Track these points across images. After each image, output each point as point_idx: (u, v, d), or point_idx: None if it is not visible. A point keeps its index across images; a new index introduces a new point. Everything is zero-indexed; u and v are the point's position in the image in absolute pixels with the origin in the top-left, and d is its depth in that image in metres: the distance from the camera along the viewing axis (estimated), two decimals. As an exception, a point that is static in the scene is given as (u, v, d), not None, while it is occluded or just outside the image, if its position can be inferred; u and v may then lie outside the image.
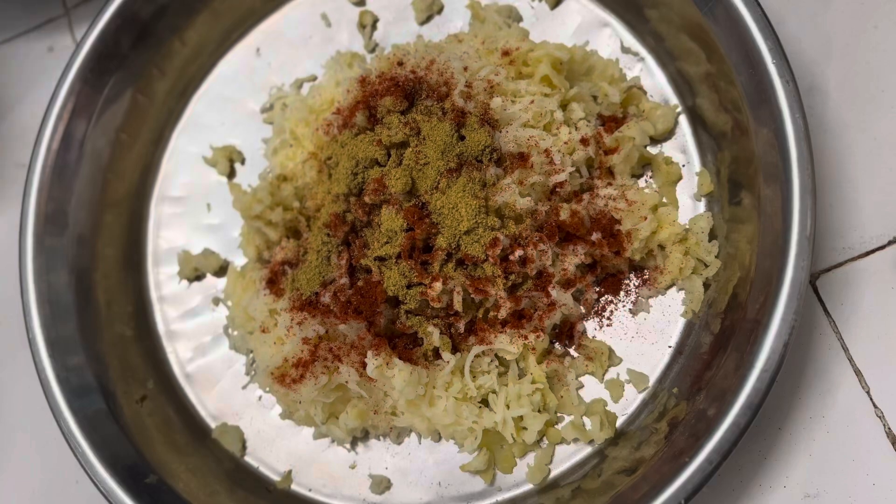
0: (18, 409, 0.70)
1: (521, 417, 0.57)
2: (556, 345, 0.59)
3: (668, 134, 0.61)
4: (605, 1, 0.65)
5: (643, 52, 0.63)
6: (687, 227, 0.58)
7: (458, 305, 0.55)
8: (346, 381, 0.57)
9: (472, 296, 0.55)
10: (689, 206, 0.60)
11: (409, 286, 0.55)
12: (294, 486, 0.62)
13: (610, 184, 0.59)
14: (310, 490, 0.62)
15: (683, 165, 0.61)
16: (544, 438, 0.58)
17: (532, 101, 0.58)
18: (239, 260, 0.68)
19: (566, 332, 0.59)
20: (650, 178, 0.61)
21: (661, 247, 0.58)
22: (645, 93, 0.63)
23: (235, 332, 0.66)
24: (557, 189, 0.57)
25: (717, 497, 0.55)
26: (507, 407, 0.57)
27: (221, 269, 0.68)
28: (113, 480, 0.58)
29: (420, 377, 0.56)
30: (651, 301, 0.59)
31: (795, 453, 0.55)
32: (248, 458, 0.64)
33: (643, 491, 0.51)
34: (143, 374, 0.66)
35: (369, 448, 0.61)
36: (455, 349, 0.58)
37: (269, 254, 0.65)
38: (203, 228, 0.70)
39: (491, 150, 0.56)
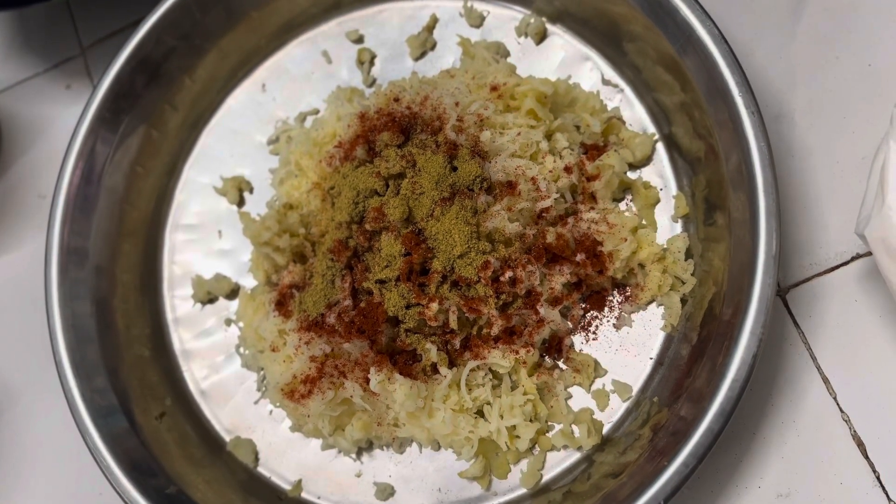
0: (44, 427, 0.73)
1: (514, 427, 0.59)
2: (546, 358, 0.62)
3: (647, 160, 0.64)
4: (586, 36, 0.68)
5: (622, 84, 0.66)
6: (665, 247, 0.61)
7: (453, 324, 0.58)
8: (351, 396, 0.59)
9: (467, 314, 0.58)
10: (666, 227, 0.63)
11: (407, 307, 0.58)
12: (304, 495, 0.64)
13: (592, 208, 0.62)
14: (319, 498, 0.64)
15: (661, 189, 0.64)
16: (536, 446, 0.60)
17: (519, 133, 0.61)
18: (249, 283, 0.70)
19: (555, 347, 0.62)
20: (630, 201, 0.64)
21: (641, 266, 0.61)
22: (624, 122, 0.65)
23: (247, 351, 0.68)
24: (544, 214, 0.60)
25: (696, 497, 0.58)
26: (501, 417, 0.59)
27: (233, 292, 0.71)
28: (136, 492, 0.60)
29: (419, 391, 0.59)
30: (633, 316, 0.62)
31: (768, 456, 0.57)
32: (260, 469, 0.66)
33: (627, 492, 0.53)
34: (162, 392, 0.69)
35: (374, 457, 0.64)
36: (451, 364, 0.60)
37: (277, 277, 0.67)
38: (215, 254, 0.73)
39: (481, 180, 0.59)
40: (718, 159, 0.58)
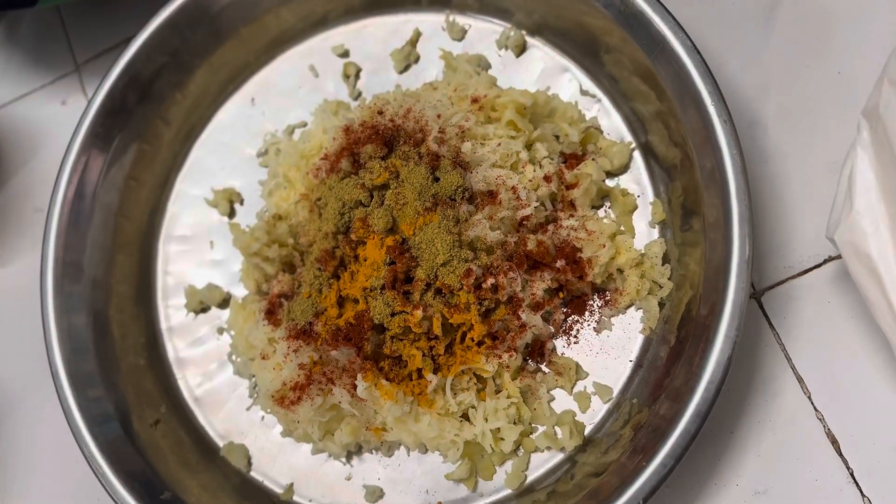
0: (42, 435, 0.74)
1: (498, 429, 0.61)
2: (529, 362, 0.63)
3: (624, 168, 0.66)
4: (564, 48, 0.69)
5: (600, 94, 0.68)
6: (643, 252, 0.63)
7: (437, 330, 0.59)
8: (339, 402, 0.61)
9: (450, 321, 0.59)
10: (644, 233, 0.64)
11: (393, 314, 0.59)
12: (296, 498, 0.66)
13: (572, 215, 0.64)
14: (310, 501, 0.65)
15: (638, 196, 0.65)
16: (520, 447, 0.62)
17: (499, 144, 0.63)
18: (240, 293, 0.71)
19: (537, 350, 0.63)
20: (608, 208, 0.66)
21: (620, 271, 0.63)
22: (602, 131, 0.67)
23: (238, 359, 0.69)
24: (524, 222, 0.62)
25: (676, 495, 0.59)
26: (486, 420, 0.60)
27: (224, 302, 0.72)
28: (132, 498, 0.62)
29: (405, 396, 0.60)
30: (613, 320, 0.63)
31: (746, 454, 0.59)
32: (253, 474, 0.67)
33: (609, 492, 0.55)
34: (157, 400, 0.70)
35: (363, 461, 0.65)
36: (437, 369, 0.61)
37: (267, 287, 0.69)
38: (207, 264, 0.74)
39: (463, 190, 0.60)
40: (693, 166, 0.60)
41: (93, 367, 0.68)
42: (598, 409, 0.62)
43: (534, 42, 0.71)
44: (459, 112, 0.64)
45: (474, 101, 0.65)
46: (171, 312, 0.74)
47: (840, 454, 0.57)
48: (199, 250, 0.75)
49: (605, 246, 0.62)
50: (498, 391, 0.62)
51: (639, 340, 0.62)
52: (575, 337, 0.64)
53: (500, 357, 0.61)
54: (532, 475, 0.62)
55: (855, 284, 0.53)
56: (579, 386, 0.63)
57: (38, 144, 0.84)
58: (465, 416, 0.62)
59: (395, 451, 0.65)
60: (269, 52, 0.77)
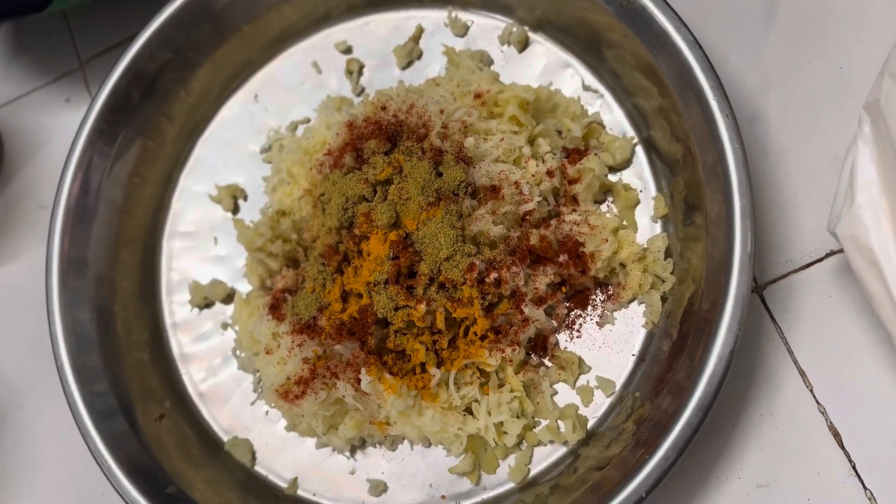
0: (47, 430, 0.75)
1: (501, 423, 0.61)
2: (532, 356, 0.63)
3: (626, 163, 0.66)
4: (567, 44, 0.70)
5: (602, 89, 0.68)
6: (645, 247, 0.63)
7: (440, 324, 0.60)
8: (343, 396, 0.61)
9: (454, 315, 0.60)
10: (646, 227, 0.64)
11: (396, 308, 0.60)
12: (300, 492, 0.66)
13: (574, 210, 0.64)
14: (314, 495, 0.66)
15: (641, 191, 0.65)
16: (523, 441, 0.62)
17: (502, 139, 0.63)
18: (244, 288, 0.72)
19: (540, 345, 0.63)
20: (611, 203, 0.66)
21: (623, 265, 0.63)
22: (604, 126, 0.67)
23: (243, 354, 0.70)
24: (527, 217, 0.62)
25: (679, 488, 0.60)
26: (489, 414, 0.61)
27: (228, 297, 0.72)
28: (136, 492, 0.62)
29: (409, 390, 0.61)
30: (615, 314, 0.63)
31: (748, 448, 0.59)
32: (257, 468, 0.68)
33: (611, 485, 0.55)
34: (161, 395, 0.70)
35: (367, 455, 0.65)
36: (440, 363, 0.62)
37: (271, 282, 0.69)
38: (211, 260, 0.74)
39: (466, 185, 0.61)
40: (695, 161, 0.60)
41: (97, 362, 0.68)
42: (600, 403, 0.62)
43: (536, 38, 0.71)
44: (462, 107, 0.64)
45: (477, 96, 0.65)
46: (176, 308, 0.74)
47: (842, 447, 0.58)
48: (202, 246, 0.75)
49: (607, 240, 0.62)
50: (501, 385, 0.62)
51: (641, 334, 0.63)
52: (578, 331, 0.64)
53: (503, 351, 0.61)
54: (535, 469, 0.62)
55: (856, 278, 0.53)
56: (582, 380, 0.63)
57: (43, 142, 0.84)
58: (469, 410, 0.62)
59: (398, 445, 0.65)
60: (272, 48, 0.78)
